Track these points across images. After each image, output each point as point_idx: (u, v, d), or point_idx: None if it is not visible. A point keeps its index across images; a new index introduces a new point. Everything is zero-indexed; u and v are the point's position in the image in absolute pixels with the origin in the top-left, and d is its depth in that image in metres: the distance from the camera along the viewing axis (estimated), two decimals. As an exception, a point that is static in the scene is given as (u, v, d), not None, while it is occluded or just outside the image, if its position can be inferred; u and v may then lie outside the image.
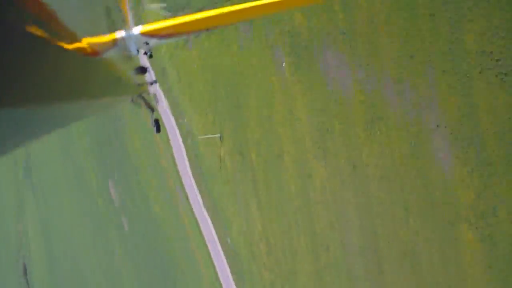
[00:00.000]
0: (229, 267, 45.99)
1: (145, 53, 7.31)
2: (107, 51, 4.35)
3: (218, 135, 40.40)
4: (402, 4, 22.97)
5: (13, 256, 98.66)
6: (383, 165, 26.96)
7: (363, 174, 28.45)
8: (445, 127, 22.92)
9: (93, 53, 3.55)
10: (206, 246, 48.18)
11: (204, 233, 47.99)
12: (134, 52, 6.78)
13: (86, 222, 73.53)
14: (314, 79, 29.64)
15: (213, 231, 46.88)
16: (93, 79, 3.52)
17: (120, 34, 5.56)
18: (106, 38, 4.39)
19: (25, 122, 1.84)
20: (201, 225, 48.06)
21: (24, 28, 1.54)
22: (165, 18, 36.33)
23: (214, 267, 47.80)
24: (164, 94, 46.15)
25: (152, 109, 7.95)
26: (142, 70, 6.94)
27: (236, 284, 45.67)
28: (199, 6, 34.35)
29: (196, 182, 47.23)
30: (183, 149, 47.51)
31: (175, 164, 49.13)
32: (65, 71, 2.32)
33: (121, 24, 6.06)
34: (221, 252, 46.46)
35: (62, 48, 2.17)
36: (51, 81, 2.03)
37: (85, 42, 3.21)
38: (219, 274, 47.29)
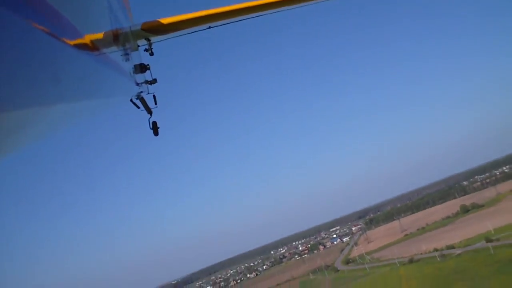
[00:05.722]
0: None
1: (146, 50, 7.08)
2: (108, 47, 4.19)
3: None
4: None
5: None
6: None
7: None
8: None
9: (94, 49, 3.41)
10: None
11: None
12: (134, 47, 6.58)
13: None
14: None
15: None
16: (92, 77, 3.38)
17: (121, 29, 5.37)
18: (107, 33, 4.22)
19: (24, 123, 1.75)
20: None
21: (28, 24, 1.44)
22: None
23: None
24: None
25: (150, 111, 7.70)
26: (142, 68, 6.71)
27: None
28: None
29: None
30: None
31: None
32: (65, 69, 2.22)
33: (123, 19, 5.87)
34: None
35: (64, 44, 2.07)
36: (51, 80, 1.90)
37: (87, 38, 3.08)
38: None
